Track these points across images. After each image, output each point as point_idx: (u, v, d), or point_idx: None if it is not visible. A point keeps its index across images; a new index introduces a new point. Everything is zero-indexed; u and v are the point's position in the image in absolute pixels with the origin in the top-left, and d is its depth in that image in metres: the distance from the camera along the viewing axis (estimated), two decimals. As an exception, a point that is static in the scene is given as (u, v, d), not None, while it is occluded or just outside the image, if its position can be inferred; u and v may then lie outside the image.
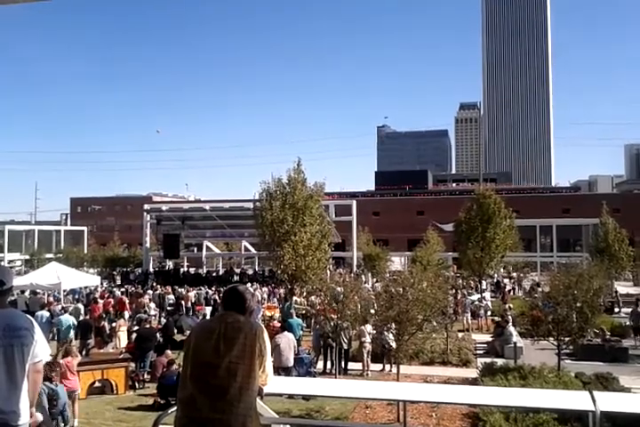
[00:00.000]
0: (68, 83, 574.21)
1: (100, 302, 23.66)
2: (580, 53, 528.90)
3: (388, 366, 16.15)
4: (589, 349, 17.47)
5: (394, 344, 15.08)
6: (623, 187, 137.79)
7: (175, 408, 3.50)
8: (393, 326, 12.54)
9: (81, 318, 19.29)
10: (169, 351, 14.72)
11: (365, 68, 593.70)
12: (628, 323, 21.97)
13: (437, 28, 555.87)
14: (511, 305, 24.45)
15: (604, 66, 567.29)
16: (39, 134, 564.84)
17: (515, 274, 39.68)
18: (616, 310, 27.14)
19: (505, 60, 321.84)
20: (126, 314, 21.08)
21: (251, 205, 24.72)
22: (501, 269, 37.42)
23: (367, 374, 15.47)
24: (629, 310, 24.36)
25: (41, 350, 3.93)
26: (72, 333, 17.96)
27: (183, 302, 25.81)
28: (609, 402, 3.62)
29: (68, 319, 18.05)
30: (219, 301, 24.43)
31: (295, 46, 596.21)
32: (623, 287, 31.06)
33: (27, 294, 26.48)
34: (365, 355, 15.72)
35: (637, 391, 12.41)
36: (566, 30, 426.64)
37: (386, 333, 14.67)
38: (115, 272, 44.90)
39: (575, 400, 3.77)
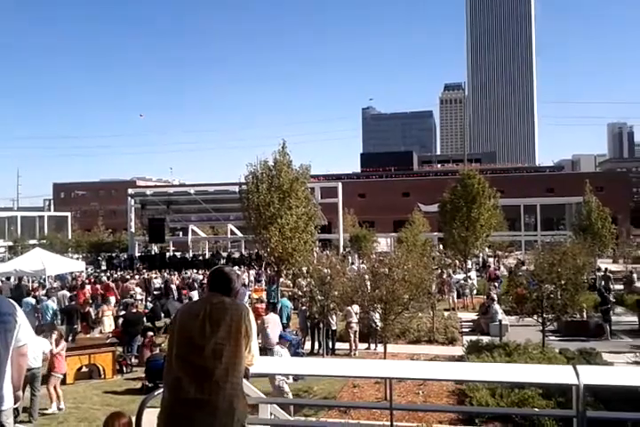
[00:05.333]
0: (50, 68, 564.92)
1: (87, 287, 23.54)
2: (564, 34, 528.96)
3: (373, 345, 16.33)
4: (573, 325, 17.73)
5: (379, 324, 15.22)
6: (606, 166, 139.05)
7: (161, 390, 3.49)
8: (379, 306, 12.59)
9: (66, 303, 19.19)
10: (150, 333, 14.75)
11: (350, 49, 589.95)
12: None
13: (421, 9, 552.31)
14: (496, 284, 24.74)
15: (587, 46, 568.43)
16: (21, 120, 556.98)
17: (499, 252, 40.06)
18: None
19: (489, 40, 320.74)
20: (112, 299, 20.98)
21: (236, 189, 24.60)
22: (486, 249, 37.71)
23: (354, 354, 15.61)
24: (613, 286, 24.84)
25: (24, 334, 3.89)
26: (58, 318, 17.90)
27: (170, 286, 25.77)
28: (592, 376, 3.66)
29: (51, 305, 17.97)
30: (205, 284, 24.41)
31: (279, 31, 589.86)
32: (605, 265, 31.43)
33: (12, 280, 26.28)
34: (352, 335, 15.84)
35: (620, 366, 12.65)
36: (550, 11, 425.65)
37: (372, 312, 14.76)
38: (100, 258, 44.64)
39: (559, 374, 3.81)
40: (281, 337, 11.30)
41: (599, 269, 26.20)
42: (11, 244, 48.34)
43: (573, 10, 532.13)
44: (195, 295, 23.09)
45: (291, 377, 10.43)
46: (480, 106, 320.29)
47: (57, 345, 11.27)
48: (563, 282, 13.75)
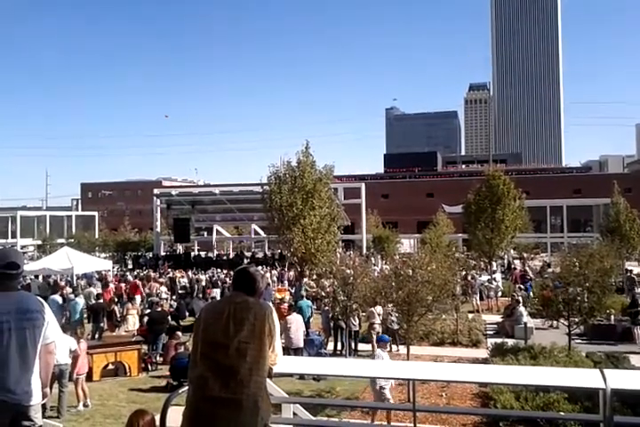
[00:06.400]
0: (77, 69, 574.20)
1: (112, 285, 23.87)
2: (591, 32, 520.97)
3: (395, 347, 16.24)
4: (600, 329, 17.42)
5: (396, 326, 15.18)
6: (634, 167, 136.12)
7: (186, 388, 3.52)
8: (400, 307, 12.53)
9: (93, 301, 19.47)
10: (179, 333, 14.87)
11: (374, 50, 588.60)
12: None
13: (446, 9, 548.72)
14: (522, 286, 24.44)
15: (614, 45, 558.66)
16: (50, 121, 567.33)
17: (525, 254, 39.55)
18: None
19: (515, 39, 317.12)
20: (138, 298, 21.23)
21: (260, 189, 24.70)
22: (512, 251, 37.27)
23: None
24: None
25: (52, 331, 3.96)
26: (84, 316, 18.18)
27: (196, 286, 26.00)
28: (620, 380, 3.59)
29: (79, 303, 18.23)
30: (229, 284, 24.57)
31: (304, 29, 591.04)
32: (633, 267, 30.87)
33: (40, 278, 26.77)
34: (375, 336, 15.76)
35: (648, 370, 12.40)
36: (577, 9, 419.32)
37: (391, 313, 14.73)
38: (126, 257, 45.17)
39: (586, 378, 3.75)
40: (380, 340, 10.86)
41: (627, 271, 25.79)
42: (40, 242, 49.19)
43: (601, 7, 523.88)
44: (217, 293, 23.24)
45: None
46: (505, 106, 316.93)
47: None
48: (589, 285, 13.54)
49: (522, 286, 24.14)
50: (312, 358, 10.73)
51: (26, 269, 24.21)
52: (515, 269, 32.97)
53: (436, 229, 38.81)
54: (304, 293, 20.68)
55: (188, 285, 26.91)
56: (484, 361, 13.53)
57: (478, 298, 23.17)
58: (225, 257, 43.35)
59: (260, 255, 42.46)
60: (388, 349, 16.17)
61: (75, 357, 10.91)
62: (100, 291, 21.06)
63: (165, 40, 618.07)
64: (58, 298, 19.11)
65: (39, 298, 4.14)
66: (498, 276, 27.90)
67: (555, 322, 16.80)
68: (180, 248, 45.39)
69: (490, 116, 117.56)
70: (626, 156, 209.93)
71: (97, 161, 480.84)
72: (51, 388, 4.66)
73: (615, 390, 3.35)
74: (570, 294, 13.65)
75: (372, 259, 33.42)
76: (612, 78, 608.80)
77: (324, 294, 18.04)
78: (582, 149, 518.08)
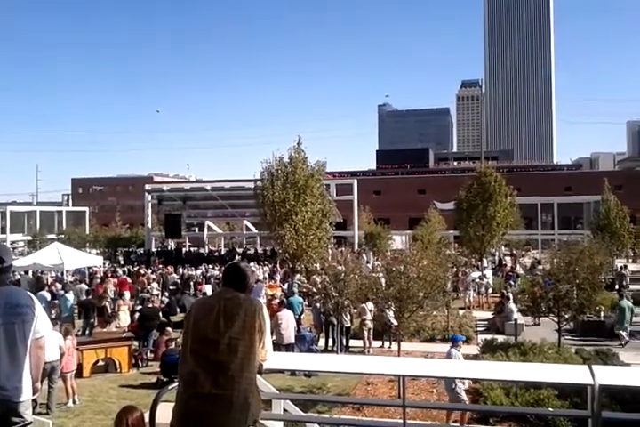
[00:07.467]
0: (69, 65, 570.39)
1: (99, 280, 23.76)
2: (583, 29, 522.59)
3: (387, 343, 16.31)
4: (590, 326, 17.54)
5: (394, 321, 15.16)
6: (625, 164, 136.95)
7: (176, 384, 3.51)
8: (393, 303, 12.54)
9: (83, 297, 19.38)
10: (169, 329, 14.84)
11: (366, 46, 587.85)
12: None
13: (439, 7, 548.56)
14: (512, 282, 24.56)
15: (606, 43, 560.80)
16: (40, 116, 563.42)
17: (516, 251, 39.73)
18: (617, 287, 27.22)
19: (507, 37, 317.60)
20: (127, 294, 21.14)
21: (252, 185, 24.64)
22: (502, 248, 37.38)
23: (368, 352, 15.61)
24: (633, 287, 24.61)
25: (42, 326, 3.93)
26: (74, 312, 18.09)
27: (188, 282, 25.92)
28: (608, 376, 3.62)
29: (69, 299, 18.12)
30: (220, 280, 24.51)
31: (295, 23, 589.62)
32: (623, 264, 31.04)
33: (30, 274, 26.64)
34: (366, 333, 15.83)
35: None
36: (570, 7, 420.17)
37: (387, 310, 14.71)
38: (117, 253, 44.98)
39: (574, 374, 3.77)
40: (455, 340, 10.62)
41: (621, 268, 25.92)
42: (30, 238, 48.83)
43: (593, 6, 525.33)
44: (208, 289, 23.19)
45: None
46: (497, 103, 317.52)
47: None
48: (579, 281, 13.62)
49: (512, 283, 24.28)
50: (303, 355, 10.76)
51: (16, 264, 24.19)
52: (505, 265, 33.13)
53: (427, 226, 38.89)
54: (296, 289, 20.68)
55: (178, 281, 26.84)
56: (475, 357, 13.59)
57: (470, 294, 23.24)
58: (216, 253, 43.26)
59: (252, 251, 42.41)
60: (381, 344, 16.33)
61: (61, 354, 10.86)
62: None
63: (161, 37, 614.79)
64: (46, 294, 18.94)
65: (29, 293, 4.10)
66: (488, 272, 28.01)
67: (541, 319, 16.92)
68: (171, 244, 45.25)
69: (482, 112, 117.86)
70: (617, 153, 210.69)
71: (88, 156, 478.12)
72: (41, 383, 4.65)
73: (603, 386, 3.36)
74: (560, 290, 13.73)
75: (364, 255, 33.45)
76: (603, 76, 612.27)
77: (315, 290, 18.03)
78: (573, 146, 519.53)
